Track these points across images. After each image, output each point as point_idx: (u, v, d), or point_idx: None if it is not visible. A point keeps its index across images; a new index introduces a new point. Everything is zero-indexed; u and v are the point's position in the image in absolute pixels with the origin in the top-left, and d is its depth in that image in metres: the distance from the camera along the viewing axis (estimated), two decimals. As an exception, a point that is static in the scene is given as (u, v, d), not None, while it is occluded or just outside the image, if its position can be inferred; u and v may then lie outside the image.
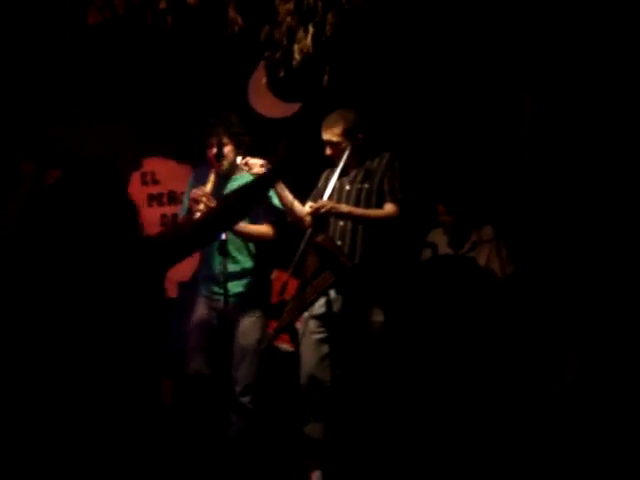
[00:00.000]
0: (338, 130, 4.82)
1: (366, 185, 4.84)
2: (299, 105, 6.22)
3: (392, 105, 6.02)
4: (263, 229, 4.96)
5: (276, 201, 4.94)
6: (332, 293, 4.74)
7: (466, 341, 4.86)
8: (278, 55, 5.20)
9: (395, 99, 6.03)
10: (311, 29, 5.14)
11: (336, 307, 4.76)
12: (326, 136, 4.85)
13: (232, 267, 4.86)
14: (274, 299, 5.14)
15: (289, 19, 5.18)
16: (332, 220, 4.84)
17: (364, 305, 4.77)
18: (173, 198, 6.24)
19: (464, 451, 4.62)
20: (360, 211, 4.78)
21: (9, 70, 5.96)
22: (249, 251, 4.98)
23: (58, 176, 3.30)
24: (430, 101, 6.00)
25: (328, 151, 4.87)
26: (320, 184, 5.04)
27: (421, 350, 4.96)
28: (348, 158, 4.78)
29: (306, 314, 4.81)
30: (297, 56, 5.24)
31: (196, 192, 4.79)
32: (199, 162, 5.33)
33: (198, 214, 4.67)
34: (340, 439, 4.76)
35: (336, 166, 4.82)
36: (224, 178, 4.94)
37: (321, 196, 4.79)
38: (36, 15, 5.57)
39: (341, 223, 4.84)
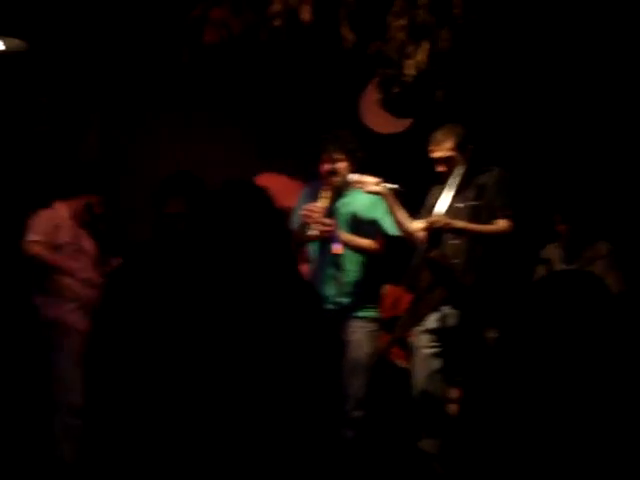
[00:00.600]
0: (450, 145, 4.82)
1: (477, 202, 4.83)
2: (410, 121, 6.24)
3: (505, 116, 5.99)
4: (366, 243, 4.97)
5: (386, 219, 4.96)
6: (446, 309, 4.74)
7: (585, 361, 4.78)
8: (390, 71, 5.25)
9: (508, 110, 6.01)
10: (426, 45, 5.17)
11: (449, 322, 4.75)
12: (438, 153, 4.84)
13: (344, 280, 4.90)
14: (386, 313, 5.15)
15: (401, 35, 5.22)
16: (445, 238, 4.83)
17: (478, 321, 4.75)
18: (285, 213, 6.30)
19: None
20: (474, 227, 4.77)
21: (129, 87, 6.15)
22: (362, 265, 4.99)
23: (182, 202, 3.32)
24: (547, 111, 5.95)
25: (441, 168, 4.86)
26: (429, 201, 5.04)
27: (537, 368, 4.90)
28: (461, 174, 4.78)
29: (418, 329, 4.81)
30: (411, 72, 5.28)
31: (310, 208, 4.84)
32: (311, 178, 5.40)
33: (315, 229, 4.75)
34: (455, 455, 4.74)
35: (445, 182, 4.83)
36: (337, 194, 4.97)
37: (431, 212, 4.81)
38: (155, 36, 5.74)
39: (455, 241, 4.83)
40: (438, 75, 5.47)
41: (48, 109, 5.85)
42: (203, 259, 3.21)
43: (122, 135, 6.21)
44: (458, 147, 4.82)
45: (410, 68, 5.31)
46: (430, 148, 4.87)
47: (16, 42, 5.09)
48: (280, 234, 3.23)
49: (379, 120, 6.12)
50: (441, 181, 4.89)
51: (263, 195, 3.28)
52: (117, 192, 5.61)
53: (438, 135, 4.88)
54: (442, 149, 4.83)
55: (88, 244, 5.37)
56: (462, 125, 4.90)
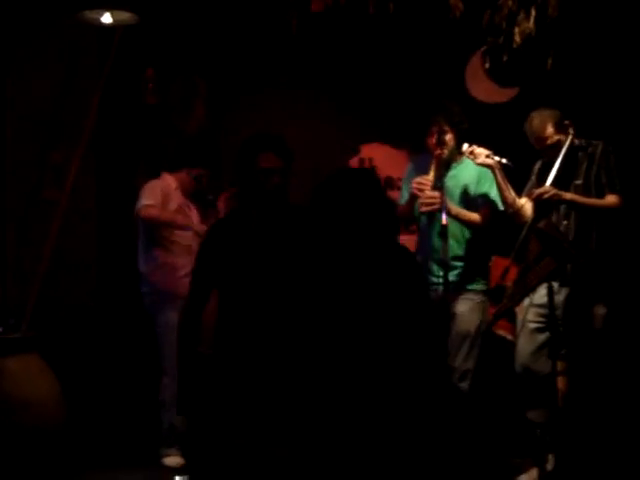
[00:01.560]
0: (548, 128, 4.79)
1: (580, 181, 4.79)
2: (516, 90, 6.15)
3: (612, 85, 5.86)
4: (474, 216, 4.94)
5: (493, 192, 4.92)
6: (555, 284, 4.67)
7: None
8: (499, 40, 5.17)
9: (615, 79, 5.87)
10: (533, 12, 5.08)
11: (558, 297, 4.69)
12: (539, 143, 4.83)
13: (451, 252, 4.87)
14: (494, 285, 5.11)
15: (510, 2, 5.14)
16: (554, 218, 4.78)
17: (587, 297, 4.69)
18: (389, 184, 6.29)
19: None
20: (583, 199, 4.71)
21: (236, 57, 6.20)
22: (468, 237, 4.96)
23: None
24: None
25: (544, 153, 4.86)
26: (533, 176, 4.99)
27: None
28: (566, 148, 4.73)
29: (526, 301, 4.76)
30: (518, 39, 5.19)
31: (420, 181, 4.83)
32: (416, 148, 5.36)
33: (424, 203, 4.76)
34: (563, 427, 4.69)
35: (549, 160, 4.80)
36: (444, 166, 4.94)
37: (535, 188, 4.78)
38: (263, 7, 5.77)
39: (564, 222, 4.79)
40: (546, 43, 5.37)
41: (155, 81, 5.92)
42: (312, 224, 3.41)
43: (227, 109, 6.27)
44: (556, 127, 4.79)
45: (518, 36, 5.23)
46: (530, 139, 4.84)
47: (125, 15, 5.14)
48: (386, 218, 3.49)
49: (485, 90, 6.04)
50: (545, 158, 4.85)
51: (374, 182, 3.54)
52: (220, 165, 5.67)
53: (532, 123, 4.85)
54: (542, 135, 4.81)
55: (194, 214, 5.47)
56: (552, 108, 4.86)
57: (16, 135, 5.43)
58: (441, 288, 4.86)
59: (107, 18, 5.10)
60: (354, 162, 6.42)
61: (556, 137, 4.79)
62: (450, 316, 4.92)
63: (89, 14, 5.10)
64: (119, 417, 5.57)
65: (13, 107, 5.37)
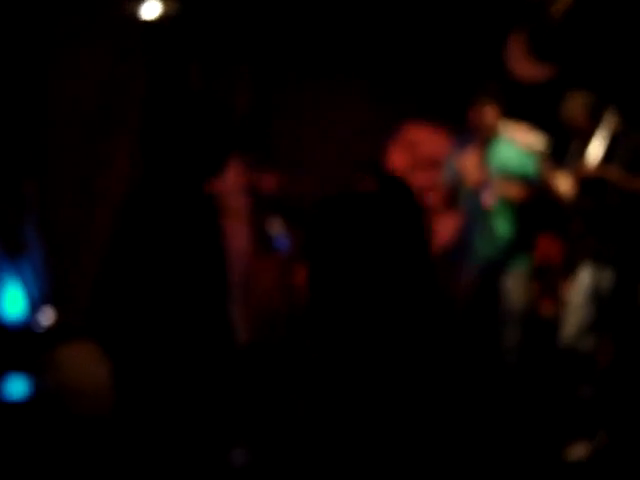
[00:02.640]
0: (581, 113, 4.75)
1: (619, 161, 4.75)
2: (557, 67, 6.15)
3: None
4: (523, 193, 4.97)
5: (536, 170, 4.95)
6: (600, 262, 4.71)
7: None
8: (541, 17, 5.18)
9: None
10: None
11: (603, 274, 4.73)
12: (572, 125, 4.79)
13: (497, 231, 4.93)
14: (539, 263, 5.16)
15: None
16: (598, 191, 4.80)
17: (632, 275, 4.72)
18: (432, 163, 6.33)
19: None
20: (627, 181, 4.70)
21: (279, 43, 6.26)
22: (513, 215, 5.01)
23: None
24: None
25: (574, 137, 4.84)
26: (572, 155, 4.99)
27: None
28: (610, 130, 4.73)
29: (571, 279, 4.81)
30: (559, 16, 5.21)
31: (462, 159, 4.89)
32: (458, 127, 5.40)
33: (470, 181, 4.81)
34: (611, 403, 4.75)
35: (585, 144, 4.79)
36: (487, 144, 4.99)
37: (575, 167, 4.78)
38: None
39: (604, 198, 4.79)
40: (588, 20, 5.38)
41: (201, 69, 5.99)
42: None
43: (272, 94, 6.33)
44: (590, 113, 4.74)
45: (557, 12, 5.25)
46: (562, 122, 4.83)
47: (172, 5, 5.22)
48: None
49: (526, 67, 6.04)
50: (578, 140, 4.87)
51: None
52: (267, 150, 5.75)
53: (567, 106, 4.81)
54: (575, 120, 4.76)
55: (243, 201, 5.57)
56: (590, 92, 4.81)
57: (64, 124, 5.52)
58: (487, 266, 4.96)
59: (153, 7, 5.18)
60: (397, 143, 6.46)
61: (588, 124, 4.75)
62: (497, 295, 5.00)
63: (137, 3, 5.19)
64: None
65: (61, 97, 5.46)
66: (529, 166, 4.94)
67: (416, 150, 6.38)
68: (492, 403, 4.65)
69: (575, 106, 4.78)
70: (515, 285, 4.99)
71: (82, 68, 5.63)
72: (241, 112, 5.48)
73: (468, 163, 4.87)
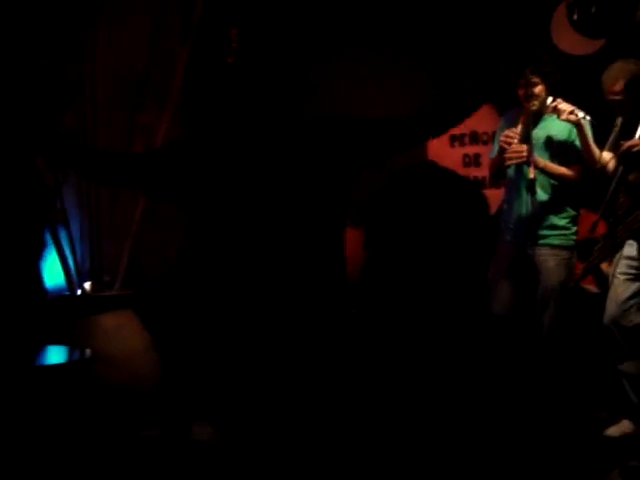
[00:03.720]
0: (618, 88, 4.64)
1: None
2: (603, 41, 6.04)
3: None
4: (569, 171, 4.91)
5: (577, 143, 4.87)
6: None
7: None
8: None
9: None
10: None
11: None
12: (608, 96, 4.69)
13: (539, 207, 4.86)
14: (582, 238, 5.09)
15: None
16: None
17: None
18: (475, 138, 6.26)
19: None
20: None
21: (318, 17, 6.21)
22: (556, 191, 4.94)
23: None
24: None
25: (615, 110, 4.72)
26: (616, 129, 4.88)
27: None
28: None
29: (617, 254, 4.73)
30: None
31: (508, 133, 4.83)
32: (500, 102, 5.33)
33: (511, 156, 4.76)
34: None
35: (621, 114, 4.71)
36: (535, 118, 4.91)
37: (618, 143, 4.69)
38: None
39: None
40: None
41: (239, 41, 5.95)
42: None
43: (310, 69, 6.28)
44: (627, 89, 4.62)
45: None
46: (602, 89, 4.72)
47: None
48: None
49: (571, 41, 5.94)
50: (618, 114, 4.75)
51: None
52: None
53: (608, 75, 4.71)
54: (611, 92, 4.67)
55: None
56: (637, 61, 4.68)
57: (106, 97, 5.52)
58: (528, 243, 4.90)
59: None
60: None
61: (625, 95, 4.65)
62: (537, 271, 4.93)
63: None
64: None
65: (103, 69, 5.46)
66: (575, 140, 4.86)
67: (462, 125, 6.29)
68: (532, 382, 4.62)
69: (612, 75, 4.69)
70: (556, 262, 4.92)
71: (122, 39, 5.63)
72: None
73: (511, 137, 4.80)
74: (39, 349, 3.98)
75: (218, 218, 2.86)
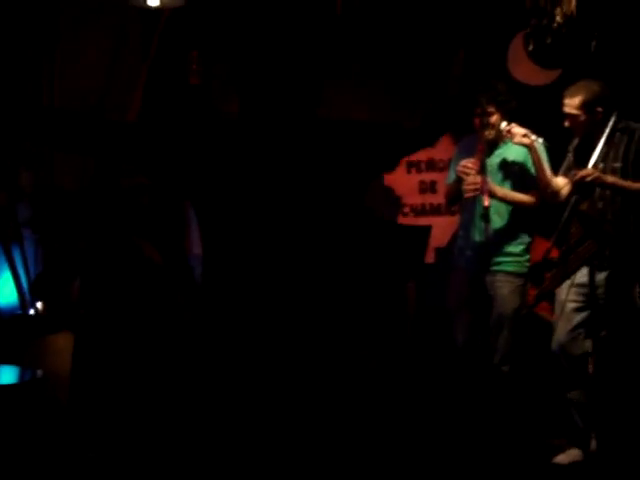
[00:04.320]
0: (576, 102, 4.68)
1: (619, 164, 4.70)
2: (559, 72, 6.13)
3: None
4: (527, 198, 4.96)
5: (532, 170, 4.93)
6: (596, 265, 4.69)
7: None
8: (542, 21, 5.17)
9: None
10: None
11: (599, 276, 4.70)
12: (564, 108, 4.74)
13: (493, 234, 4.91)
14: (535, 265, 5.14)
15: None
16: (595, 195, 4.75)
17: (627, 278, 4.69)
18: (431, 165, 6.31)
19: None
20: (624, 183, 4.65)
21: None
22: (512, 217, 4.99)
23: None
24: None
25: (566, 123, 4.77)
26: (569, 155, 4.94)
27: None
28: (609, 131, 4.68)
29: (567, 282, 4.78)
30: (560, 20, 5.19)
31: (465, 164, 4.88)
32: (457, 129, 5.39)
33: (468, 188, 4.82)
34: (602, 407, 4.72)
35: (575, 139, 4.80)
36: (490, 147, 4.98)
37: (571, 169, 4.77)
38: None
39: (599, 204, 4.72)
40: (589, 25, 5.36)
41: (199, 63, 5.97)
42: None
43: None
44: (584, 107, 4.65)
45: (560, 17, 5.23)
46: (562, 100, 4.79)
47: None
48: None
49: (527, 72, 6.02)
50: (576, 137, 4.82)
51: None
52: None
53: (570, 89, 4.74)
54: (568, 105, 4.70)
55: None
56: (601, 83, 4.72)
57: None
58: (480, 270, 4.95)
59: (154, 0, 5.17)
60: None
61: (575, 111, 4.68)
62: (492, 297, 4.97)
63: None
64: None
65: (61, 85, 5.43)
66: (530, 167, 4.92)
67: (419, 152, 6.35)
68: (484, 406, 4.64)
69: (573, 90, 4.74)
70: (509, 290, 4.96)
71: (81, 56, 5.60)
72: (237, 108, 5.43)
73: (468, 168, 4.85)
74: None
75: (234, 220, 2.88)
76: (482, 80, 4.99)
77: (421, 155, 6.28)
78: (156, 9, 5.30)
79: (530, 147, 4.82)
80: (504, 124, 4.86)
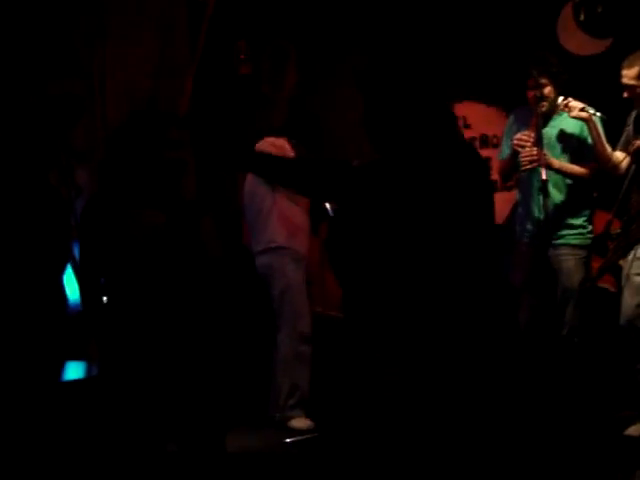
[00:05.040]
0: (634, 72, 4.62)
1: None
2: (610, 41, 6.04)
3: None
4: (583, 170, 4.91)
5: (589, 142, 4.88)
6: None
7: None
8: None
9: None
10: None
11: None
12: (623, 79, 4.68)
13: (553, 208, 4.86)
14: (597, 238, 5.08)
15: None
16: None
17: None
18: (485, 142, 6.26)
19: None
20: None
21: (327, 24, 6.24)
22: (571, 190, 4.94)
23: None
24: None
25: (625, 94, 4.71)
26: (629, 127, 4.88)
27: None
28: None
29: (630, 255, 4.72)
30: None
31: (520, 137, 4.84)
32: (509, 104, 5.34)
33: (525, 161, 4.79)
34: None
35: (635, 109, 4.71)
36: (544, 119, 4.92)
37: (630, 141, 4.71)
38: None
39: None
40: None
41: (247, 52, 5.99)
42: None
43: (320, 76, 6.30)
44: None
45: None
46: (620, 71, 4.72)
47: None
48: None
49: (578, 42, 5.94)
50: (636, 107, 4.75)
51: None
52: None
53: (627, 59, 4.69)
54: (626, 76, 4.65)
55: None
56: None
57: (115, 112, 5.53)
58: (543, 244, 4.90)
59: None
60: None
61: (633, 82, 4.63)
62: (557, 271, 4.93)
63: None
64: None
65: (112, 84, 5.48)
66: (587, 137, 4.87)
67: (468, 129, 6.31)
68: (553, 380, 4.59)
69: (631, 60, 4.68)
70: (573, 263, 4.92)
71: (131, 53, 5.64)
72: (289, 92, 5.43)
73: (524, 140, 4.80)
74: (62, 365, 3.98)
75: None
76: (533, 52, 4.94)
77: (474, 132, 6.24)
78: (202, 1, 5.32)
79: (588, 121, 4.77)
80: (561, 98, 4.81)
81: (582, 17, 5.79)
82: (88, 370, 4.34)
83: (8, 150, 3.81)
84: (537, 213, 4.92)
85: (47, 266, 3.71)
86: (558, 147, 4.94)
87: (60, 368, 3.94)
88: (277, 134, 5.19)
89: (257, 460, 4.62)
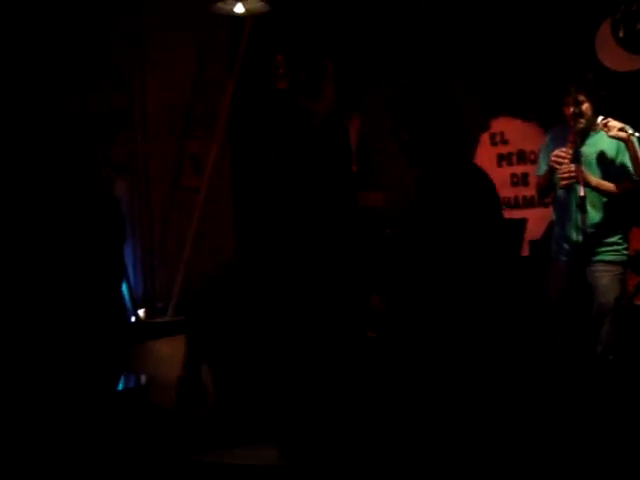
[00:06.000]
0: None
1: None
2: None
3: None
4: (619, 188, 4.89)
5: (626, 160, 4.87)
6: None
7: None
8: (633, 6, 5.09)
9: None
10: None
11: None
12: None
13: (591, 225, 4.84)
14: (634, 254, 5.06)
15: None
16: None
17: None
18: (522, 157, 6.27)
19: None
20: None
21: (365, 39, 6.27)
22: (607, 208, 4.92)
23: None
24: None
25: None
26: None
27: None
28: None
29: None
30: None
31: (558, 153, 4.84)
32: (545, 120, 5.33)
33: (563, 177, 4.79)
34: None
35: None
36: (582, 136, 4.92)
37: None
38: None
39: None
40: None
41: (285, 67, 6.02)
42: None
43: (357, 91, 6.34)
44: None
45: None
46: None
47: (256, 3, 5.28)
48: None
49: (616, 58, 5.93)
50: None
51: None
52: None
53: None
54: None
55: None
56: None
57: (155, 126, 5.61)
58: (579, 261, 4.89)
59: (239, 8, 5.25)
60: (485, 137, 6.41)
61: None
62: (592, 287, 4.92)
63: (221, 4, 5.27)
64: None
65: (152, 99, 5.55)
66: (626, 158, 4.86)
67: (505, 144, 6.32)
68: (588, 397, 4.57)
69: None
70: (609, 279, 4.90)
71: (170, 69, 5.71)
72: (327, 109, 5.46)
73: (562, 157, 4.80)
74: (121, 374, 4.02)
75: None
76: (571, 69, 4.95)
77: (511, 147, 6.25)
78: (241, 16, 5.37)
79: (627, 141, 4.76)
80: (600, 118, 4.81)
81: (621, 34, 5.78)
82: (126, 381, 4.39)
83: (58, 165, 3.86)
84: (574, 231, 4.91)
85: (111, 275, 3.73)
86: (594, 165, 4.92)
87: (119, 377, 3.98)
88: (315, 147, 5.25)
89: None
